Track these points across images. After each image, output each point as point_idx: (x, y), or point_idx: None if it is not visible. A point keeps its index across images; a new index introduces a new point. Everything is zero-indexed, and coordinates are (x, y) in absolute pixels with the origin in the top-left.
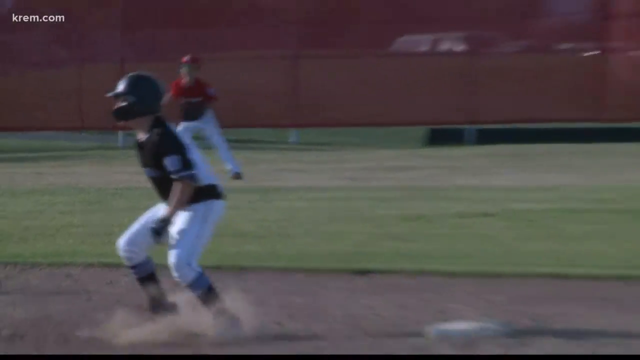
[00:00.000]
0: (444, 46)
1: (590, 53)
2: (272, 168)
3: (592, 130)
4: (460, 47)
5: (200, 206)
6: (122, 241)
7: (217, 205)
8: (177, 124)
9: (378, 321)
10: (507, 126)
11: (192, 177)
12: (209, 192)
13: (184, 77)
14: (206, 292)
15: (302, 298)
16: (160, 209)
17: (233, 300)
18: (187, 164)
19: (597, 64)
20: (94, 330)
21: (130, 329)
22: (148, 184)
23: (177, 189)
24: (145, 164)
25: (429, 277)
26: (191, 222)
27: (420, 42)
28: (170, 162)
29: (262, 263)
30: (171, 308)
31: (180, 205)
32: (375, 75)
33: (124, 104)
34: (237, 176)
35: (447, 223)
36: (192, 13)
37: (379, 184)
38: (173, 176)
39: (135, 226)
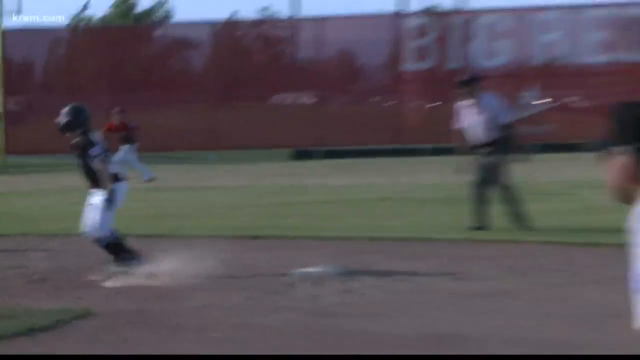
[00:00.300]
0: (302, 100)
1: (391, 103)
2: (199, 175)
3: (394, 150)
4: (312, 100)
5: None
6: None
7: (120, 186)
8: (121, 147)
9: (263, 267)
10: (344, 147)
11: (107, 156)
12: (112, 178)
13: (115, 120)
14: (108, 245)
15: (218, 254)
16: (93, 195)
17: (175, 256)
18: (103, 152)
19: (396, 109)
20: (94, 277)
21: (117, 278)
22: (134, 181)
23: (98, 168)
24: (75, 156)
25: (294, 240)
26: (102, 202)
27: (288, 97)
28: (93, 151)
29: (194, 232)
30: (137, 256)
31: (105, 177)
32: (262, 117)
33: (64, 122)
34: (151, 179)
35: (306, 207)
36: (150, 83)
37: (265, 184)
38: (96, 158)
39: (88, 213)
